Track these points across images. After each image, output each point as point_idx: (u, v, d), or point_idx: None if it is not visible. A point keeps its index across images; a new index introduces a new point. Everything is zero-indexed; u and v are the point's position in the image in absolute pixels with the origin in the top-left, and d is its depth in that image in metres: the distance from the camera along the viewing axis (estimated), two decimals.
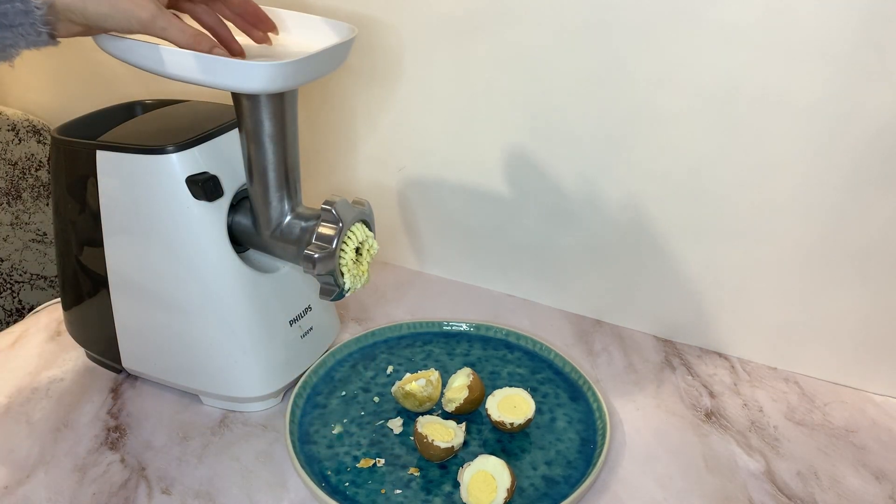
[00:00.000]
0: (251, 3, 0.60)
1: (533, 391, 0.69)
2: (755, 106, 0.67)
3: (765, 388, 0.74)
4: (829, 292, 0.72)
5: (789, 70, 0.65)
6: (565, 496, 0.58)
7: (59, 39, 0.52)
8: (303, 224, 0.63)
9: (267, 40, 0.63)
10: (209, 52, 0.53)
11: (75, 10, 0.50)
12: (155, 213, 0.64)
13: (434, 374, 0.67)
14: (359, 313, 0.85)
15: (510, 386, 0.69)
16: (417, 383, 0.66)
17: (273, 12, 0.64)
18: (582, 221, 0.81)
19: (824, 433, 0.68)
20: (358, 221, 0.63)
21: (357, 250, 0.63)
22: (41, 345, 0.80)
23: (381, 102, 0.86)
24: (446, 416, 0.67)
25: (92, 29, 0.53)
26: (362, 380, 0.73)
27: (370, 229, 0.65)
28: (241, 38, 0.62)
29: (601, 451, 0.62)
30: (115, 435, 0.67)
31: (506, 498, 0.56)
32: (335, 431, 0.65)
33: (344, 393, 0.71)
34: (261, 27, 0.62)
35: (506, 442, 0.65)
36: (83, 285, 0.71)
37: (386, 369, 0.74)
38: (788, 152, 0.68)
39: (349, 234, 0.62)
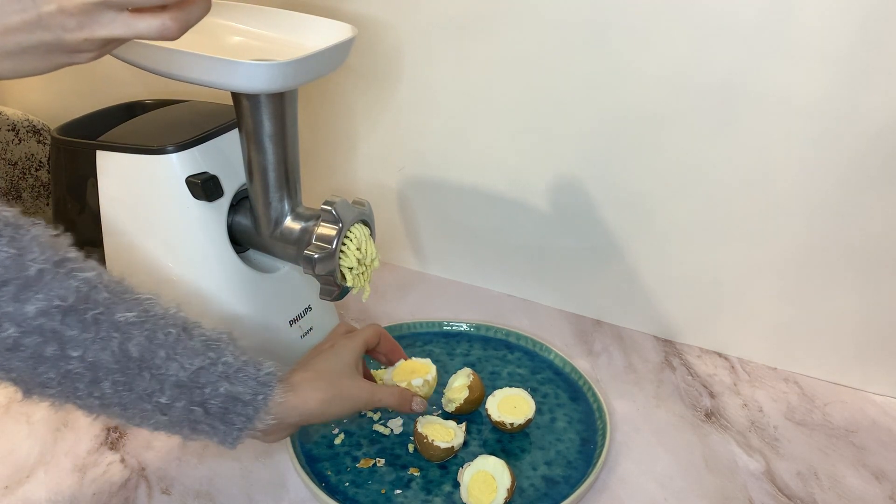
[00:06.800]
0: (395, 344, 0.67)
1: (533, 391, 0.69)
2: (755, 106, 0.67)
3: (765, 388, 0.74)
4: (829, 292, 0.72)
5: (789, 70, 0.64)
6: (565, 496, 0.58)
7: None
8: (303, 224, 0.63)
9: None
10: (412, 404, 0.61)
11: (316, 414, 0.55)
12: (155, 213, 0.64)
13: (431, 373, 0.66)
14: (359, 313, 0.85)
15: (510, 386, 0.69)
16: (414, 382, 0.65)
17: (274, 12, 0.65)
18: (582, 221, 0.80)
19: (824, 433, 0.68)
20: (358, 222, 0.63)
21: (359, 261, 0.63)
22: None
23: (381, 102, 0.86)
24: (446, 416, 0.67)
25: (294, 427, 0.58)
26: None
27: (370, 230, 0.65)
28: None
29: (601, 451, 0.62)
30: (114, 435, 0.66)
31: (506, 498, 0.56)
32: (337, 441, 0.65)
33: None
34: (394, 358, 0.67)
35: (506, 442, 0.65)
36: None
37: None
38: (788, 152, 0.68)
39: (349, 234, 0.62)
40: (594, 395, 0.69)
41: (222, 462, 0.64)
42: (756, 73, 0.66)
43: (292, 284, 0.71)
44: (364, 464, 0.62)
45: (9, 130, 0.98)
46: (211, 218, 0.64)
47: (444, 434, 0.62)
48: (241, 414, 0.51)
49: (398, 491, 0.60)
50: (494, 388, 0.68)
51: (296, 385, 0.55)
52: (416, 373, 0.66)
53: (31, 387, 0.47)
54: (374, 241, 0.65)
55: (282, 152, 0.60)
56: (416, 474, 0.61)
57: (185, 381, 0.49)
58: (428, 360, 0.67)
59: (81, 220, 0.68)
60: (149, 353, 0.48)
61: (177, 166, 0.62)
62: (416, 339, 0.79)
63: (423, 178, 0.88)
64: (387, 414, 0.68)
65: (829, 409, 0.71)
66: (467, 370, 0.68)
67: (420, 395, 0.63)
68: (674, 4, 0.66)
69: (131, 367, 0.48)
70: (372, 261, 0.64)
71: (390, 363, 0.67)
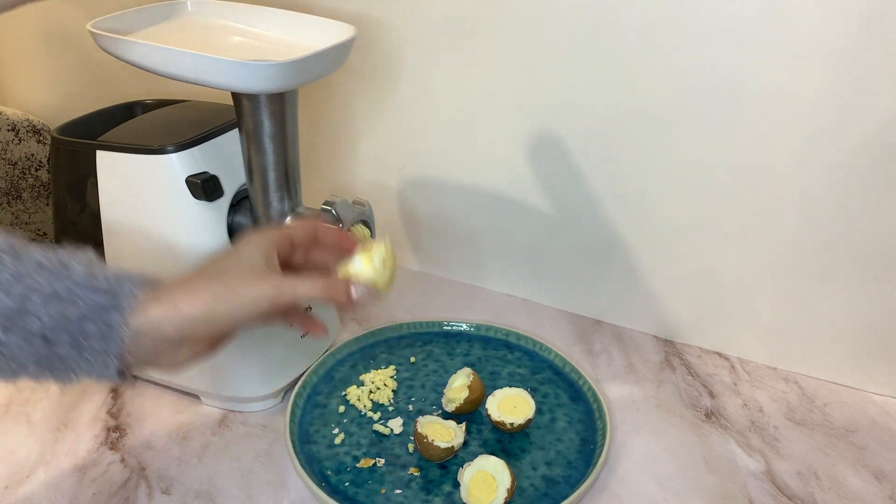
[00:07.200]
0: (343, 235, 0.55)
1: (533, 391, 0.69)
2: (755, 105, 0.67)
3: (765, 387, 0.74)
4: (829, 292, 0.72)
5: (789, 69, 0.64)
6: (565, 496, 0.58)
7: (132, 377, 0.46)
8: None
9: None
10: (348, 294, 0.49)
11: (200, 319, 0.45)
12: (155, 213, 0.64)
13: (379, 254, 0.52)
14: (359, 313, 0.85)
15: (510, 386, 0.69)
16: (352, 266, 0.51)
17: (274, 12, 0.64)
18: (582, 221, 0.80)
19: (824, 433, 0.68)
20: (358, 222, 0.63)
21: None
22: None
23: (381, 102, 0.86)
24: (446, 415, 0.67)
25: (217, 338, 0.48)
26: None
27: (370, 231, 0.65)
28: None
29: (601, 451, 0.62)
30: (114, 435, 0.66)
31: (506, 498, 0.56)
32: (337, 441, 0.65)
33: (344, 393, 0.71)
34: (347, 251, 0.54)
35: (506, 442, 0.65)
36: None
37: (387, 369, 0.74)
38: (788, 152, 0.68)
39: (349, 234, 0.62)
40: (594, 395, 0.69)
41: (222, 462, 0.64)
42: (756, 72, 0.66)
43: None
44: (364, 463, 0.62)
45: (9, 130, 0.98)
46: (211, 218, 0.64)
47: (444, 434, 0.62)
48: (95, 336, 0.43)
49: (398, 491, 0.60)
50: (494, 388, 0.68)
51: (164, 291, 0.45)
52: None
53: None
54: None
55: (282, 152, 0.60)
56: (416, 474, 0.61)
57: (12, 309, 0.41)
58: (384, 237, 0.54)
59: (81, 220, 0.68)
60: None
61: (177, 166, 0.62)
62: (416, 339, 0.79)
63: (423, 178, 0.88)
64: (386, 414, 0.68)
65: (829, 409, 0.71)
66: (467, 370, 0.68)
67: (362, 282, 0.50)
68: (674, 4, 0.66)
69: None
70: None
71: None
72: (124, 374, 0.46)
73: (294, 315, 0.54)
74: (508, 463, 0.58)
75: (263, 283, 0.47)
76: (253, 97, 0.57)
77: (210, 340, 0.48)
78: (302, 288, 0.48)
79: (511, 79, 0.77)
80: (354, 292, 0.49)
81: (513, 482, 0.57)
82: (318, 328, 0.55)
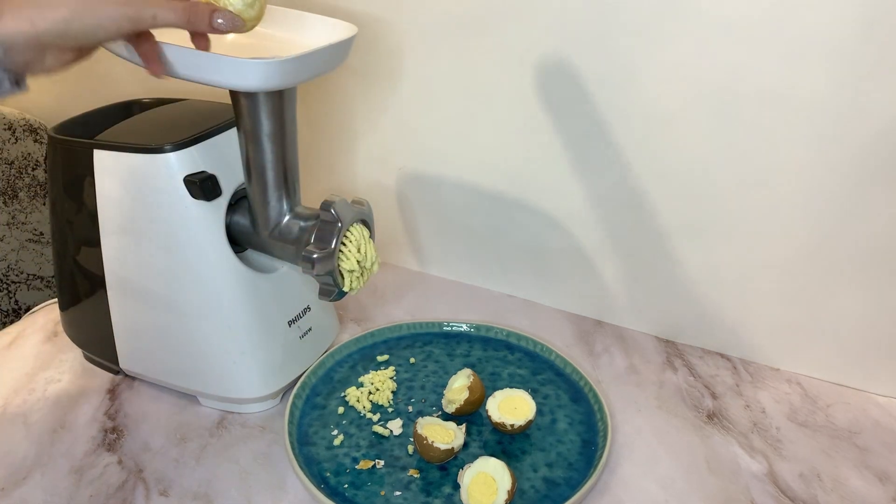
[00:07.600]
0: None
1: (534, 392, 0.69)
2: (757, 105, 0.67)
3: (767, 388, 0.74)
4: (831, 292, 0.71)
5: (791, 69, 0.64)
6: (566, 498, 0.58)
7: (27, 84, 0.48)
8: (301, 224, 0.62)
9: None
10: (210, 21, 0.49)
11: (55, 35, 0.46)
12: (152, 212, 0.63)
13: None
14: (358, 314, 0.85)
15: (511, 387, 0.68)
16: None
17: (273, 10, 0.64)
18: (583, 221, 0.80)
19: (827, 434, 0.68)
20: (357, 221, 0.63)
21: (359, 262, 0.62)
22: (38, 346, 0.79)
23: (380, 101, 0.85)
24: (446, 417, 0.67)
25: (82, 50, 0.49)
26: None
27: (370, 230, 0.64)
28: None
29: (602, 452, 0.62)
30: (112, 436, 0.66)
31: (506, 500, 0.56)
32: (336, 443, 0.64)
33: (343, 394, 0.70)
34: None
35: (506, 443, 0.65)
36: (80, 285, 0.71)
37: (387, 370, 0.74)
38: (790, 151, 0.67)
39: (348, 234, 0.61)
40: (595, 396, 0.69)
41: (221, 463, 0.63)
42: (758, 71, 0.65)
43: (291, 284, 0.70)
44: (363, 465, 0.62)
45: (5, 129, 0.98)
46: (209, 217, 0.63)
47: (444, 435, 0.61)
48: None
49: (398, 492, 0.59)
50: (495, 389, 0.68)
51: (23, 3, 0.46)
52: None
53: None
54: (374, 241, 0.64)
55: (280, 151, 0.60)
56: (415, 476, 0.61)
57: None
58: None
59: (78, 220, 0.67)
60: None
61: (174, 165, 0.62)
62: (416, 340, 0.78)
63: (422, 177, 0.88)
64: (386, 415, 0.68)
65: (831, 411, 0.71)
66: (467, 371, 0.68)
67: (228, 9, 0.50)
68: (676, 3, 0.66)
69: None
70: (372, 264, 0.64)
71: None
72: (19, 83, 0.48)
73: (144, 42, 0.52)
74: (509, 464, 0.58)
75: (126, 6, 0.47)
76: (251, 96, 0.56)
77: (73, 52, 0.49)
78: (162, 14, 0.48)
79: (511, 78, 0.77)
80: (217, 20, 0.49)
81: (513, 484, 0.57)
82: (154, 64, 0.53)
